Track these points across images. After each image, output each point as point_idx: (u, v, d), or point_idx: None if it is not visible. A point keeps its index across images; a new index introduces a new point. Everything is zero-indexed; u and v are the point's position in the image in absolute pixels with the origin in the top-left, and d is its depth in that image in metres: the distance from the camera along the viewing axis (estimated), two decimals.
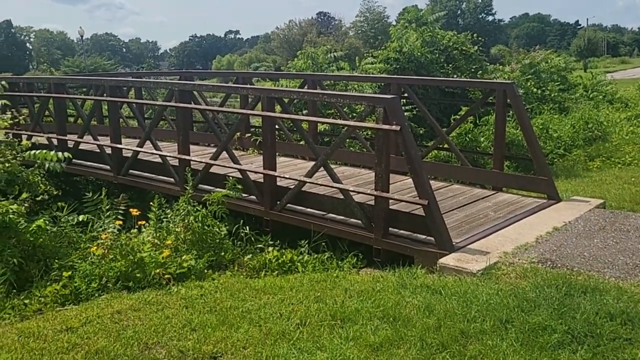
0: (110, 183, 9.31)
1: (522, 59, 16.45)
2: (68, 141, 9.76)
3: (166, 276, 5.82)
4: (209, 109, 7.96)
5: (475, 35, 16.42)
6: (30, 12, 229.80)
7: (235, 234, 7.12)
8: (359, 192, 6.28)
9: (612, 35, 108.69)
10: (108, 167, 9.13)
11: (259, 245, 6.96)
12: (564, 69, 19.79)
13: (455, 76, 14.54)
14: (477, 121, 11.46)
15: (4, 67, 66.98)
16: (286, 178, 6.90)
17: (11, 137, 8.24)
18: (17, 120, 8.04)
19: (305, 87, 9.73)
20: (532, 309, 4.36)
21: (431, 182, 8.35)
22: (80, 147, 9.66)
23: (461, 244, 5.89)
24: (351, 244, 6.54)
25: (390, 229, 6.16)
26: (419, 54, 13.78)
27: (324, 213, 6.76)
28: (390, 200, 6.11)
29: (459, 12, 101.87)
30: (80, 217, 7.40)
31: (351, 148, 10.85)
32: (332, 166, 9.34)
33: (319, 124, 10.02)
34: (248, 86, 8.32)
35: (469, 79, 9.51)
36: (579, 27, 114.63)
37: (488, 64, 16.40)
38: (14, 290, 5.90)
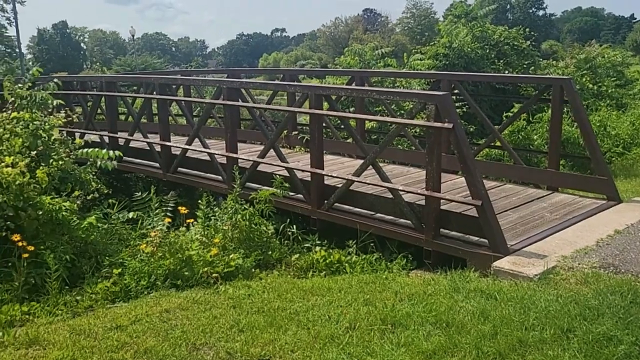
0: (159, 180, 9.41)
1: (577, 53, 15.87)
2: (119, 139, 9.90)
3: (214, 275, 5.80)
4: (257, 107, 7.93)
5: (527, 30, 15.94)
6: (84, 13, 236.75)
7: (283, 232, 7.07)
8: (408, 192, 6.12)
9: None
10: (157, 165, 9.21)
11: (306, 245, 6.88)
12: (621, 64, 19.05)
13: (506, 72, 14.14)
14: (530, 118, 11.09)
15: (59, 66, 69.11)
16: (334, 177, 6.79)
17: (65, 135, 8.38)
18: (70, 118, 8.16)
19: (353, 84, 9.60)
20: (595, 317, 4.13)
21: (484, 181, 8.16)
22: (130, 145, 9.78)
23: (516, 246, 5.66)
24: (400, 245, 6.39)
25: (441, 230, 5.98)
26: (469, 49, 13.46)
27: (373, 213, 6.62)
28: (442, 200, 5.93)
29: (508, 6, 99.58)
30: (130, 215, 7.48)
31: (399, 146, 10.66)
32: (381, 164, 9.22)
33: (366, 122, 9.88)
34: (296, 83, 8.25)
35: (522, 75, 9.17)
36: (634, 20, 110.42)
37: (541, 59, 15.91)
38: (67, 287, 5.97)
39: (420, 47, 14.96)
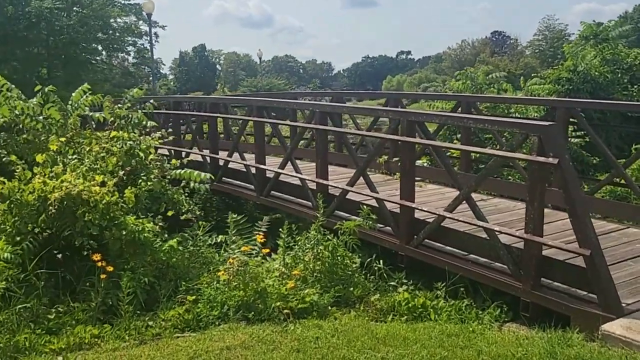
0: (254, 203, 9.30)
1: None
2: (219, 159, 9.94)
3: (285, 311, 5.43)
4: (347, 132, 7.55)
5: None
6: (222, 37, 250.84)
7: (369, 267, 6.59)
8: (504, 233, 5.40)
9: None
10: (252, 187, 9.09)
11: (392, 283, 6.34)
12: None
13: None
14: None
15: (196, 86, 73.33)
16: (424, 211, 6.21)
17: (161, 155, 8.51)
18: (166, 139, 8.26)
19: (459, 110, 8.95)
20: None
21: (602, 222, 7.16)
22: (229, 166, 9.77)
23: (633, 306, 4.77)
24: (495, 292, 5.65)
25: (542, 279, 5.20)
26: (596, 73, 12.21)
27: (466, 253, 5.96)
28: (544, 246, 5.16)
29: None
30: (219, 238, 7.36)
31: (510, 177, 9.78)
32: (486, 197, 8.46)
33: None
34: (387, 108, 7.77)
35: None
36: None
37: None
38: (143, 310, 5.89)
39: (542, 71, 13.87)
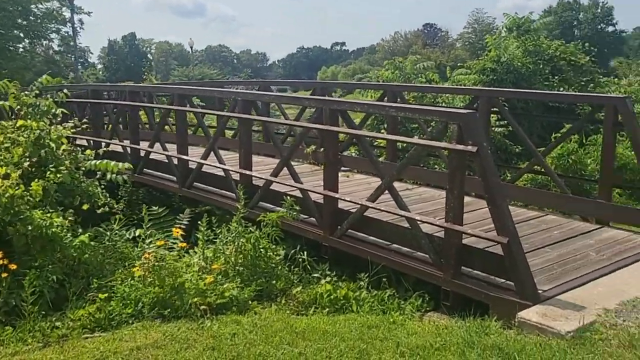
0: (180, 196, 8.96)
1: None
2: (140, 150, 9.52)
3: (202, 307, 5.19)
4: (270, 121, 7.33)
5: (586, 44, 14.81)
6: (153, 26, 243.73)
7: (293, 259, 6.43)
8: (425, 222, 5.35)
9: None
10: (174, 178, 8.75)
11: (316, 275, 6.21)
12: None
13: (561, 89, 13.08)
14: (584, 140, 10.06)
15: (126, 76, 70.94)
16: (347, 201, 6.10)
17: (77, 146, 8.04)
18: (78, 128, 7.80)
19: (386, 99, 8.90)
20: None
21: (523, 210, 7.28)
22: (151, 157, 9.37)
23: (550, 292, 4.81)
24: (418, 281, 5.61)
25: (462, 267, 5.18)
26: (519, 64, 12.48)
27: (389, 243, 5.89)
28: (464, 234, 5.13)
29: (575, 22, 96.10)
30: (138, 232, 7.01)
31: (436, 166, 9.86)
32: (411, 186, 8.46)
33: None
34: (310, 97, 7.61)
35: (572, 93, 8.17)
36: None
37: (601, 76, 14.73)
38: (51, 310, 5.51)
39: (467, 62, 14.08)
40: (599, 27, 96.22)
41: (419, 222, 5.36)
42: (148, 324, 5.07)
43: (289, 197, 6.35)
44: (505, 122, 10.14)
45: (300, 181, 6.67)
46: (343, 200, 6.15)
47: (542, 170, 7.48)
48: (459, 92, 10.08)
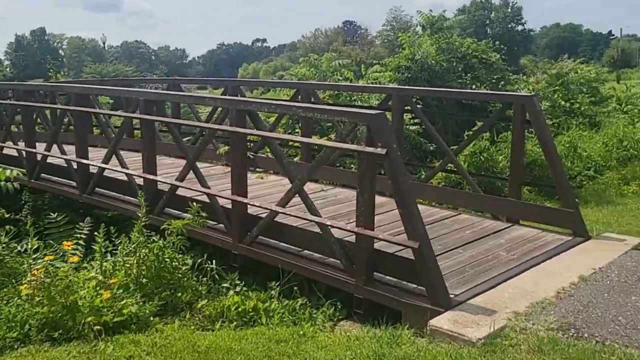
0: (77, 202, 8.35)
1: (548, 68, 15.12)
2: (37, 154, 8.82)
3: (96, 327, 4.75)
4: (174, 122, 6.90)
5: (497, 42, 15.16)
6: (64, 21, 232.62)
7: (201, 268, 6.06)
8: (335, 227, 5.13)
9: None
10: (74, 184, 8.14)
11: (225, 285, 5.87)
12: (595, 80, 18.40)
13: (474, 87, 13.30)
14: (496, 138, 10.22)
15: (36, 73, 67.27)
16: (256, 206, 5.80)
17: None
18: None
19: (299, 97, 8.67)
20: None
21: (436, 210, 7.23)
22: (49, 161, 8.69)
23: (461, 296, 4.71)
24: (330, 289, 5.39)
25: (375, 273, 5.01)
26: (432, 61, 12.58)
27: (300, 249, 5.64)
28: (376, 238, 4.95)
29: (487, 21, 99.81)
30: (29, 245, 6.40)
31: (352, 166, 9.71)
32: (327, 187, 8.26)
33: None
34: (217, 97, 7.23)
35: (483, 91, 8.20)
36: (612, 37, 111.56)
37: (511, 74, 15.14)
38: None
39: (383, 59, 14.10)
40: (510, 26, 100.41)
41: (329, 227, 5.13)
42: (35, 349, 4.59)
43: (195, 203, 5.97)
44: (419, 119, 10.15)
45: (207, 185, 6.30)
46: (252, 205, 5.85)
47: (455, 169, 7.46)
48: (371, 90, 9.98)
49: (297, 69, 13.31)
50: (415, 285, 4.77)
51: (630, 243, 5.99)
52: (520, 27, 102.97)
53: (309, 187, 8.09)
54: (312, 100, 8.54)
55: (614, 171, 10.63)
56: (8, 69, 76.57)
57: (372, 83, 12.68)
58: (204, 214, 5.92)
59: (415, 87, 10.21)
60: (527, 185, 7.98)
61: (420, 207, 7.35)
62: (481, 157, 9.03)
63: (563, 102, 14.04)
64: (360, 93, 11.22)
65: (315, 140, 6.09)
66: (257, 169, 9.30)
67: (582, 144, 11.21)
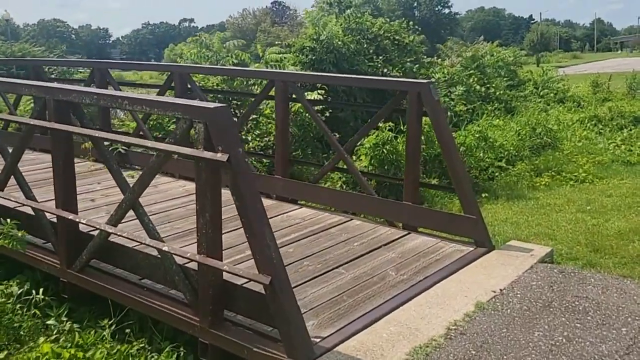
0: None
1: (463, 51, 14.45)
2: None
3: None
4: None
5: (411, 23, 14.32)
6: None
7: (26, 299, 4.84)
8: (174, 254, 4.01)
9: (565, 30, 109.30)
10: None
11: (50, 322, 4.66)
12: (513, 63, 18.03)
13: (385, 70, 12.41)
14: (403, 127, 9.32)
15: None
16: (82, 223, 4.59)
17: None
18: None
19: (172, 83, 7.45)
20: None
21: (325, 215, 6.25)
22: None
23: (330, 340, 3.72)
24: (175, 329, 4.29)
25: (226, 311, 3.94)
26: (339, 42, 11.55)
27: (140, 277, 4.50)
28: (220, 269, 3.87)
29: (415, 4, 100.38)
30: None
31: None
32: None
33: None
34: (29, 83, 5.88)
35: (376, 78, 7.20)
36: (532, 21, 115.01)
37: (425, 57, 14.36)
38: None
39: (287, 39, 12.96)
40: (436, 9, 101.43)
41: (167, 252, 4.01)
42: None
43: (7, 221, 4.69)
44: (322, 107, 9.15)
45: (31, 194, 5.03)
46: (81, 222, 4.64)
47: (345, 167, 6.48)
48: (252, 75, 8.82)
49: (185, 49, 11.94)
50: (271, 328, 3.74)
51: (537, 254, 5.18)
52: (446, 10, 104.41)
53: (175, 191, 6.98)
54: (189, 86, 7.34)
55: (527, 161, 10.01)
56: None
57: (271, 66, 11.55)
58: (20, 233, 4.65)
59: (298, 72, 9.15)
60: (424, 187, 7.10)
61: (307, 212, 6.40)
62: (384, 150, 8.11)
63: (478, 87, 13.40)
64: (259, 80, 10.07)
65: (144, 141, 4.90)
66: (134, 166, 8.05)
67: (494, 132, 10.52)
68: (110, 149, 7.99)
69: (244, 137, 9.41)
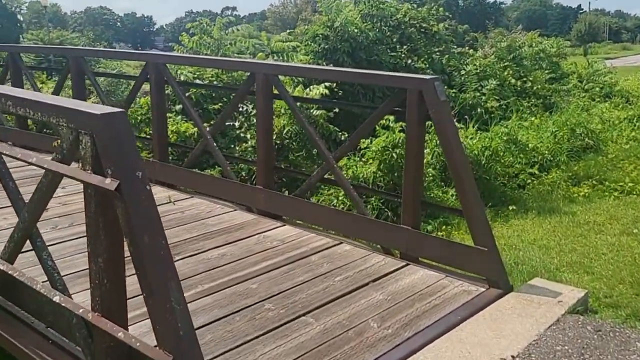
0: None
1: (498, 41, 13.13)
2: None
3: None
4: None
5: (441, 9, 13.05)
6: None
7: None
8: (64, 305, 3.03)
9: (615, 20, 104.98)
10: None
11: None
12: (556, 55, 16.52)
13: (409, 61, 11.24)
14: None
15: None
16: None
17: None
18: None
19: (149, 76, 6.48)
20: None
21: (310, 236, 5.19)
22: None
23: None
24: None
25: None
26: (355, 30, 10.41)
27: (46, 325, 3.54)
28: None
29: None
30: None
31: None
32: (180, 197, 6.19)
33: None
34: None
35: (365, 72, 5.91)
36: (580, 11, 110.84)
37: (455, 46, 13.09)
38: None
39: (303, 26, 11.89)
40: None
41: (59, 302, 3.03)
42: None
43: None
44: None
45: None
46: None
47: (333, 178, 5.39)
48: (231, 66, 7.72)
49: (185, 38, 10.94)
50: None
51: (567, 301, 4.03)
52: (491, 0, 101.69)
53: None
54: (165, 79, 6.37)
55: (563, 168, 8.71)
56: None
57: (277, 58, 10.49)
58: None
59: (282, 64, 8.04)
60: (428, 207, 5.91)
61: (290, 231, 5.31)
62: (393, 154, 6.98)
63: (514, 80, 12.08)
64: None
65: (28, 154, 3.89)
66: None
67: (526, 133, 9.23)
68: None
69: (242, 135, 8.44)
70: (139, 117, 8.36)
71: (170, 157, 8.20)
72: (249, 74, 5.71)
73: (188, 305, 3.35)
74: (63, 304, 2.98)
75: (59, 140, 7.02)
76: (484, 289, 4.23)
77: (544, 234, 6.40)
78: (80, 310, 2.90)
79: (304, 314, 3.83)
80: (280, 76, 5.76)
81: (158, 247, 2.56)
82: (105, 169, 2.56)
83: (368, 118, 4.99)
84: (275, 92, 5.45)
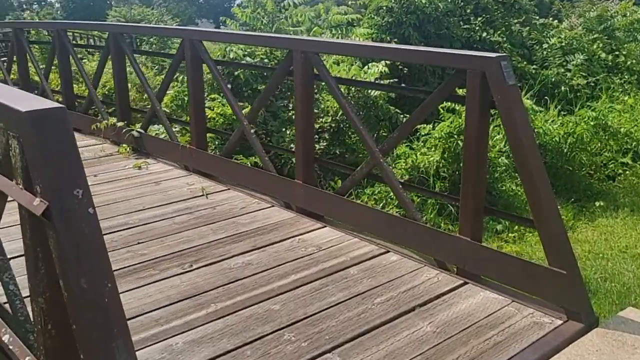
0: None
1: (587, 10, 11.73)
2: None
3: None
4: None
5: None
6: None
7: None
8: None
9: None
10: None
11: None
12: None
13: (484, 34, 10.14)
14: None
15: (85, 16, 65.47)
16: None
17: None
18: None
19: (183, 52, 5.87)
20: None
21: (352, 241, 4.46)
22: None
23: None
24: None
25: None
26: (423, 1, 9.42)
27: None
28: None
29: None
30: None
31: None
32: (213, 190, 5.60)
33: None
34: None
35: (418, 49, 4.85)
36: None
37: (537, 17, 11.78)
38: None
39: None
40: None
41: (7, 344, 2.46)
42: None
43: None
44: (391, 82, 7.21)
45: None
46: None
47: (379, 174, 4.59)
48: (267, 43, 6.89)
49: (238, 11, 10.27)
50: None
51: None
52: None
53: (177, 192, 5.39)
54: (200, 56, 5.74)
55: None
56: (58, 12, 75.46)
57: (334, 32, 9.63)
58: None
59: (321, 40, 7.10)
60: (491, 214, 4.93)
61: (330, 234, 4.53)
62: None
63: (604, 55, 10.71)
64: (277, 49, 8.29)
65: None
66: (144, 151, 6.73)
67: (618, 116, 8.00)
68: (123, 131, 6.74)
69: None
70: (186, 99, 7.84)
71: (216, 143, 7.64)
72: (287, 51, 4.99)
73: (195, 330, 3.14)
74: (10, 347, 2.41)
75: (102, 124, 6.47)
76: (560, 322, 3.36)
77: (635, 240, 5.37)
78: (27, 358, 2.30)
79: (329, 350, 3.12)
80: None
81: (100, 295, 1.90)
82: (34, 185, 1.93)
83: (419, 106, 4.14)
84: (316, 72, 4.70)
